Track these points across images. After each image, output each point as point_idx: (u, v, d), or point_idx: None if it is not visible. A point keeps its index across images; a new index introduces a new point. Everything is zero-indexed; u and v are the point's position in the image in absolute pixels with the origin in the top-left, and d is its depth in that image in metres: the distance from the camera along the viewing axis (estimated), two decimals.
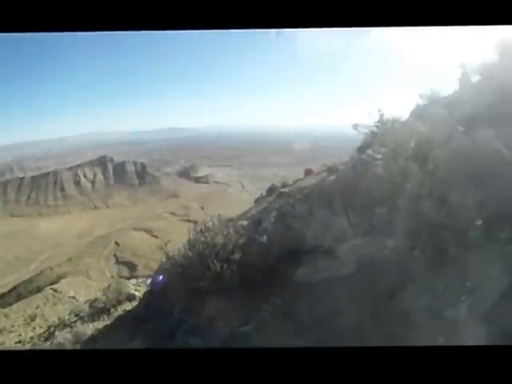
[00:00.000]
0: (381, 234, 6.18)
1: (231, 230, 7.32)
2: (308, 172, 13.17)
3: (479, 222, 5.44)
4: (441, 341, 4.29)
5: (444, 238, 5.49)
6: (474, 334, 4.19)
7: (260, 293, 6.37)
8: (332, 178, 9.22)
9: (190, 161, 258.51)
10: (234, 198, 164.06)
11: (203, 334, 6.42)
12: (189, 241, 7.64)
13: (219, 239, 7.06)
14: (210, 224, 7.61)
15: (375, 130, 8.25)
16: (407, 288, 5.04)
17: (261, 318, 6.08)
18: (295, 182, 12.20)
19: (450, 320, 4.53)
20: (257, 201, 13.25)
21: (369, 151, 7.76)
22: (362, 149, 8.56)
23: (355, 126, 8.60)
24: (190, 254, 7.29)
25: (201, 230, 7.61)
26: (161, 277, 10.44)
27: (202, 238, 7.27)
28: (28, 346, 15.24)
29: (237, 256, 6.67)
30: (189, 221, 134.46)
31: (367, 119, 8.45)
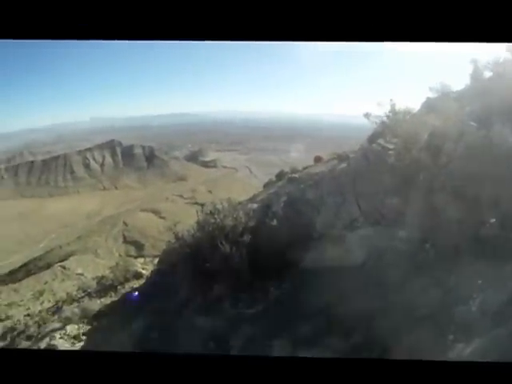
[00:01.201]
0: (391, 225, 6.21)
1: (241, 212, 7.36)
2: (317, 159, 13.09)
3: (492, 220, 5.45)
4: (449, 337, 4.23)
5: (456, 233, 5.46)
6: (482, 332, 4.15)
7: (268, 276, 6.44)
8: (343, 165, 9.18)
9: (197, 145, 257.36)
10: (242, 183, 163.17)
11: (210, 314, 6.50)
12: (198, 222, 7.70)
13: (229, 221, 7.11)
14: (219, 206, 7.64)
15: (386, 120, 8.21)
16: (416, 280, 5.03)
17: (267, 301, 6.16)
18: (305, 169, 12.17)
19: (460, 316, 4.49)
20: (266, 185, 13.23)
21: (380, 141, 7.77)
22: (373, 138, 8.54)
23: (367, 116, 8.55)
24: (199, 234, 7.35)
25: (210, 211, 7.65)
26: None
27: (212, 220, 7.32)
28: (37, 319, 15.40)
29: (246, 238, 6.72)
30: (196, 203, 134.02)
31: (378, 110, 8.41)
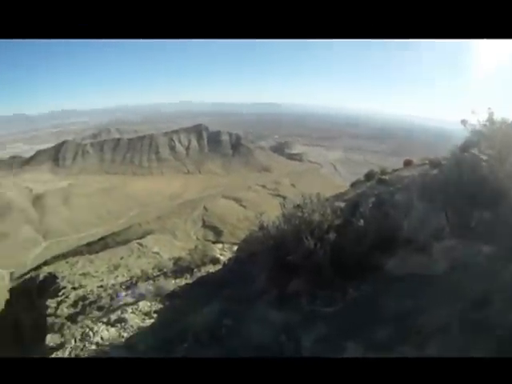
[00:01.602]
0: (478, 239, 5.97)
1: (328, 209, 7.27)
2: (407, 163, 12.93)
3: None
4: None
5: None
6: None
7: (348, 276, 6.34)
8: (434, 172, 8.96)
9: (284, 137, 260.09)
10: (326, 179, 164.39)
11: (284, 307, 6.45)
12: (284, 214, 7.66)
13: (316, 217, 7.02)
14: (308, 200, 7.57)
15: (482, 129, 7.92)
16: (497, 301, 4.78)
17: (345, 302, 6.07)
18: (395, 171, 12.00)
19: None
20: (353, 184, 13.14)
21: (474, 150, 7.51)
22: (466, 147, 8.27)
23: (464, 123, 8.28)
24: (285, 227, 7.29)
25: (298, 205, 7.61)
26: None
27: (299, 213, 7.24)
28: (111, 292, 15.84)
29: (331, 236, 6.60)
30: (278, 195, 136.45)
31: (472, 117, 8.12)
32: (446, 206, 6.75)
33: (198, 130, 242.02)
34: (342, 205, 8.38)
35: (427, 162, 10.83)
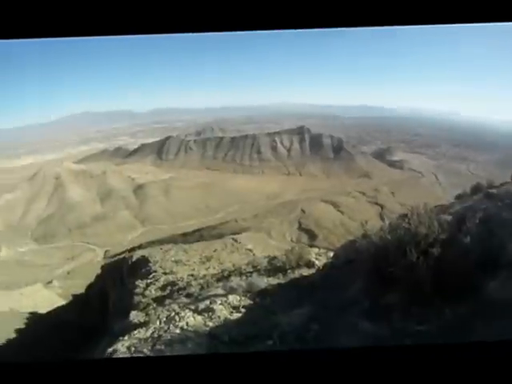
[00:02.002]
0: None
1: (435, 222, 6.90)
2: None
3: None
4: None
5: None
6: None
7: (447, 295, 5.95)
8: None
9: (386, 143, 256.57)
10: (426, 189, 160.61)
11: (375, 320, 6.19)
12: (390, 224, 7.41)
13: (422, 229, 6.68)
14: (415, 211, 7.26)
15: None
16: None
17: (439, 322, 5.71)
18: (502, 185, 11.45)
19: None
20: (459, 197, 12.69)
21: None
22: None
23: None
24: (389, 237, 7.00)
25: (405, 215, 7.34)
26: None
27: (405, 224, 6.94)
28: (201, 282, 16.05)
29: (436, 251, 6.25)
30: (376, 204, 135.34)
31: None
32: None
33: (300, 132, 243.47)
34: (449, 218, 7.93)
35: None
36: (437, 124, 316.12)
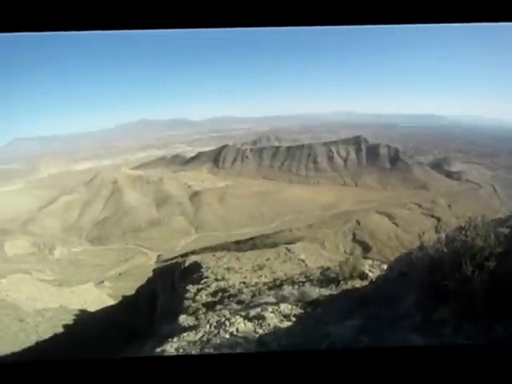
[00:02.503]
0: None
1: (492, 235, 6.71)
2: None
3: None
4: None
5: None
6: None
7: (500, 311, 5.77)
8: None
9: (444, 152, 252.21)
10: (484, 202, 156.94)
11: (426, 334, 6.04)
12: (447, 236, 7.24)
13: (478, 241, 6.50)
14: (472, 223, 7.09)
15: None
16: None
17: (489, 337, 5.53)
18: None
19: None
20: None
21: None
22: None
23: None
24: (445, 249, 6.85)
25: (462, 227, 7.16)
26: None
27: (462, 237, 6.77)
28: (253, 289, 16.10)
29: (491, 264, 6.07)
30: (433, 216, 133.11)
31: None
32: None
33: (356, 142, 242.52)
34: (506, 231, 7.70)
35: None
36: (493, 131, 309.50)
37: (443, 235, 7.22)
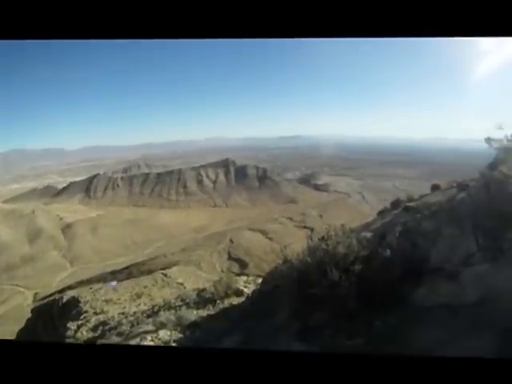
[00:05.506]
0: (510, 263, 5.70)
1: (354, 240, 7.07)
2: (435, 187, 12.82)
3: None
4: None
5: None
6: None
7: (374, 308, 6.05)
8: (462, 195, 8.74)
9: (311, 168, 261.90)
10: (354, 209, 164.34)
11: (306, 340, 6.22)
12: (309, 247, 7.50)
13: (340, 249, 6.86)
14: (332, 233, 7.41)
15: (509, 145, 7.70)
16: None
17: (369, 334, 5.78)
18: (422, 197, 11.93)
19: None
20: (380, 213, 13.11)
21: (502, 168, 7.27)
22: (493, 165, 8.05)
23: (489, 141, 8.08)
24: (309, 260, 7.11)
25: (322, 237, 7.45)
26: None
27: (323, 246, 7.09)
28: (131, 319, 15.87)
29: (357, 267, 6.41)
30: (305, 227, 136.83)
31: (498, 133, 7.94)
32: (476, 230, 6.48)
33: (225, 165, 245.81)
34: (369, 235, 8.15)
35: (455, 184, 10.68)
36: (358, 147, 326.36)
37: (306, 247, 7.49)
